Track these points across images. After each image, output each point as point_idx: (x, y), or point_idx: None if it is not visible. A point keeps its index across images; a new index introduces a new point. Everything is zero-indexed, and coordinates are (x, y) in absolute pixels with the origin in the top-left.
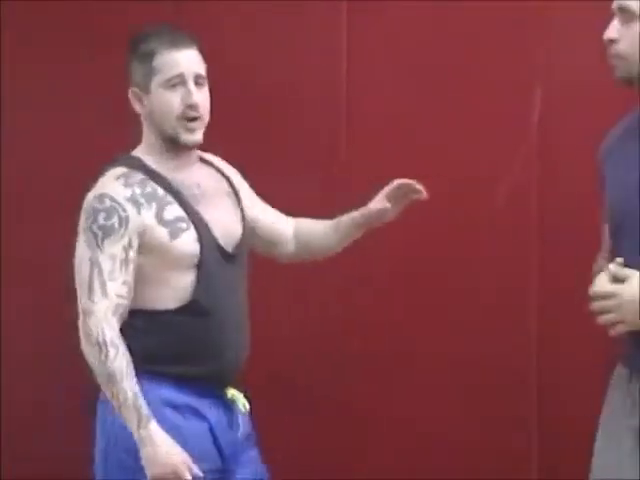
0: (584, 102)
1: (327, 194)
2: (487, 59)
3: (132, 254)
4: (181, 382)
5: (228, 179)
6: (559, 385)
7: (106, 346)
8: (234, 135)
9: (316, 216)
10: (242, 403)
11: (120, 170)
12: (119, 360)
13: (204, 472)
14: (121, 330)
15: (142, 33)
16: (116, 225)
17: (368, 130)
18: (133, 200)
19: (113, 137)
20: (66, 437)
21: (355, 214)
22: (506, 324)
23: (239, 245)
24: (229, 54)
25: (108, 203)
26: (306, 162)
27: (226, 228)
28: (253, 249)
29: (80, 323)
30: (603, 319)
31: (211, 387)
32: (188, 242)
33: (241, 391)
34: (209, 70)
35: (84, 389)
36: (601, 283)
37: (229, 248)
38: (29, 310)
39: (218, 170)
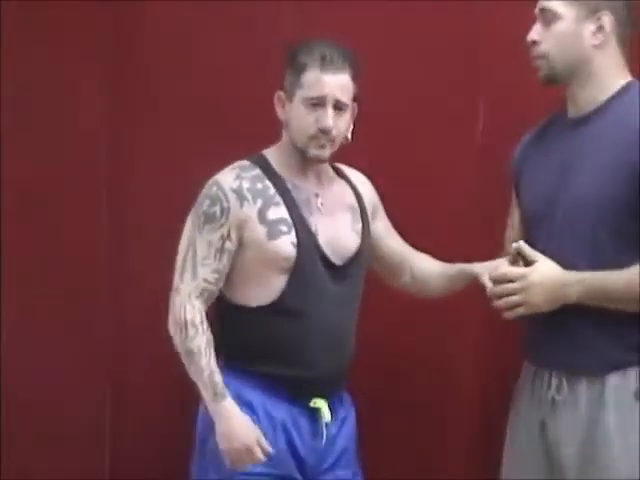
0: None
1: None
2: (437, 69)
3: (229, 245)
4: (261, 382)
5: (358, 195)
6: None
7: (186, 325)
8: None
9: None
10: (325, 414)
11: (242, 162)
12: (198, 339)
13: (275, 478)
14: (213, 322)
15: (302, 44)
16: (217, 214)
17: None
18: (239, 193)
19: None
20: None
21: (467, 272)
22: None
23: (352, 259)
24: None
25: (214, 190)
26: None
27: (337, 240)
28: (374, 270)
29: (170, 298)
30: (503, 302)
31: (295, 394)
32: (285, 244)
33: (332, 405)
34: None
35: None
36: (504, 267)
37: (337, 260)
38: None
39: (351, 185)
